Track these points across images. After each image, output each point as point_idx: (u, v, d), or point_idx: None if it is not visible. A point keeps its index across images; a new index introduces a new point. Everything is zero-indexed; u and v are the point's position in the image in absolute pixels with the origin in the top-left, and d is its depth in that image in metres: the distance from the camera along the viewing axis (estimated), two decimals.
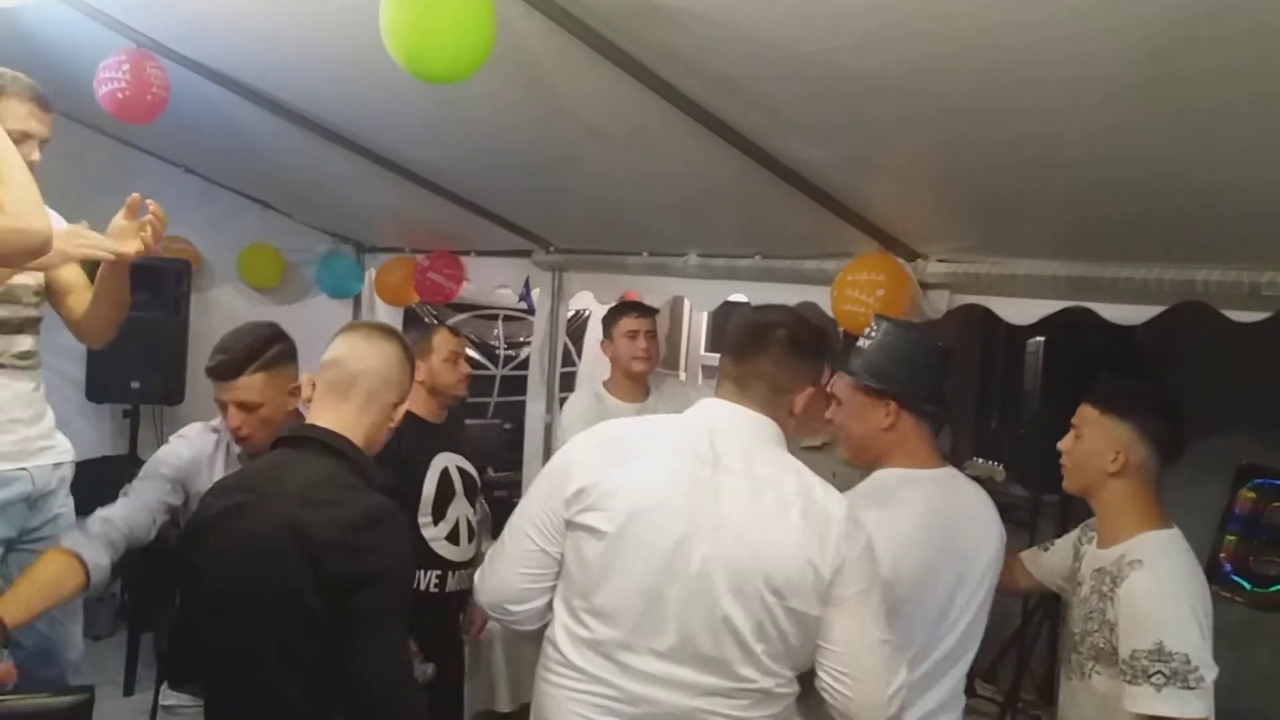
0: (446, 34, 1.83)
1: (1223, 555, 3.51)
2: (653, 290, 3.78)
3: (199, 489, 2.23)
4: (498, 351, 6.13)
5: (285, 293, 5.01)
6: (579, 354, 6.07)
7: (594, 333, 5.85)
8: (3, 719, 1.78)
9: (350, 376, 1.76)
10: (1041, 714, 3.35)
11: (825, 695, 1.58)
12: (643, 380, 3.42)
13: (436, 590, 2.69)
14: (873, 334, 1.97)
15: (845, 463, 2.12)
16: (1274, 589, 3.45)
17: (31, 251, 2.07)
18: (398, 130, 3.20)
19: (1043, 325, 2.66)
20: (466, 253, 4.51)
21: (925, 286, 2.78)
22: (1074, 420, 2.05)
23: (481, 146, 3.09)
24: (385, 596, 1.60)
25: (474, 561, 2.75)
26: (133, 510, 2.20)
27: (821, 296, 2.94)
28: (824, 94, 2.05)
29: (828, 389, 2.03)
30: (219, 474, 2.27)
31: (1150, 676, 1.75)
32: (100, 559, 2.06)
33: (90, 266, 2.32)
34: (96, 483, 2.58)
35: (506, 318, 6.15)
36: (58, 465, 2.34)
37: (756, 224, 3.08)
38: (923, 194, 2.53)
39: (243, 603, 1.61)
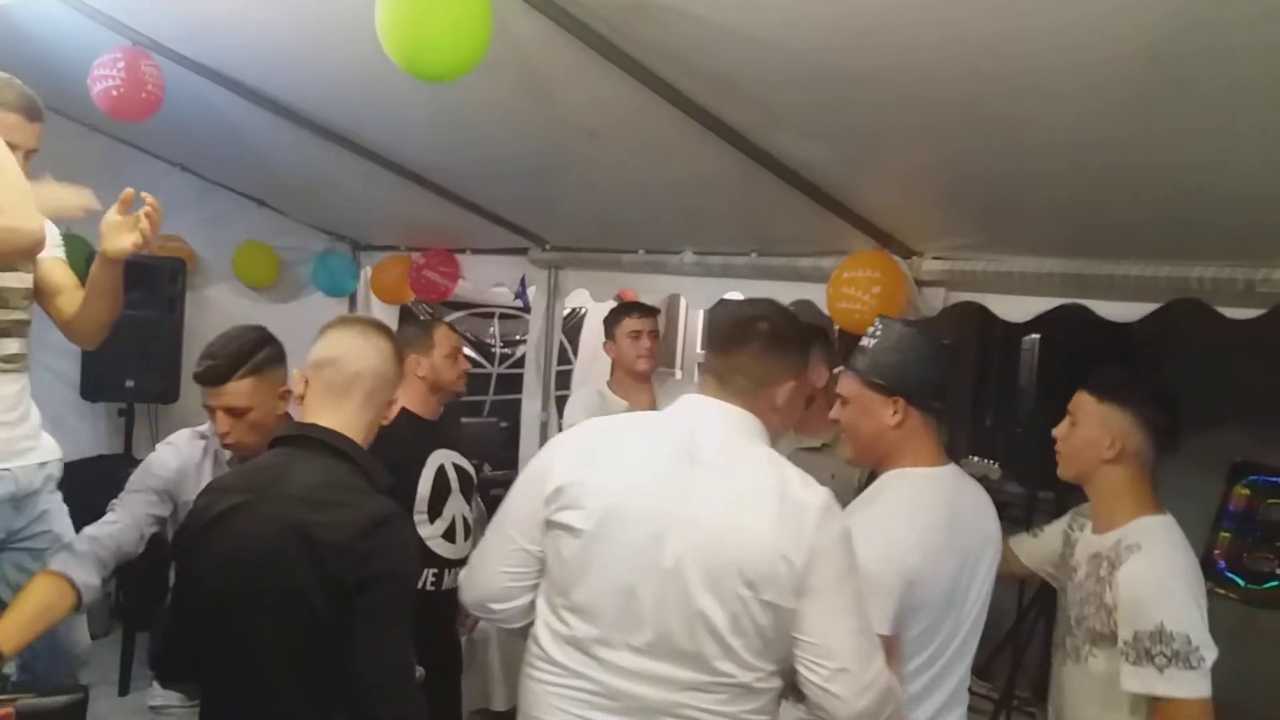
0: (442, 31, 1.83)
1: (1217, 552, 3.52)
2: (649, 288, 3.78)
3: (187, 498, 2.22)
4: (494, 349, 6.12)
5: (281, 291, 5.01)
6: (575, 352, 6.07)
7: (590, 330, 5.85)
8: None
9: (350, 376, 1.75)
10: (1036, 711, 3.37)
11: (803, 688, 1.58)
12: (647, 379, 3.42)
13: (433, 588, 2.69)
14: (877, 333, 1.97)
15: (849, 461, 2.12)
16: (1268, 585, 3.46)
17: (25, 251, 2.06)
18: (393, 128, 3.19)
19: (1038, 323, 2.67)
20: (462, 251, 4.51)
21: (921, 284, 2.79)
22: (1069, 407, 2.06)
23: (477, 144, 3.09)
24: (389, 598, 1.60)
25: None
26: (120, 527, 2.20)
27: (818, 294, 2.94)
28: (820, 92, 2.05)
29: (834, 389, 2.03)
30: (207, 481, 2.23)
31: (1153, 658, 1.78)
32: (90, 578, 2.07)
33: (81, 267, 2.31)
34: (91, 481, 2.58)
35: (502, 316, 6.15)
36: (43, 464, 2.32)
37: (752, 222, 3.08)
38: (918, 191, 2.53)
39: (244, 603, 1.60)
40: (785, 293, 3.09)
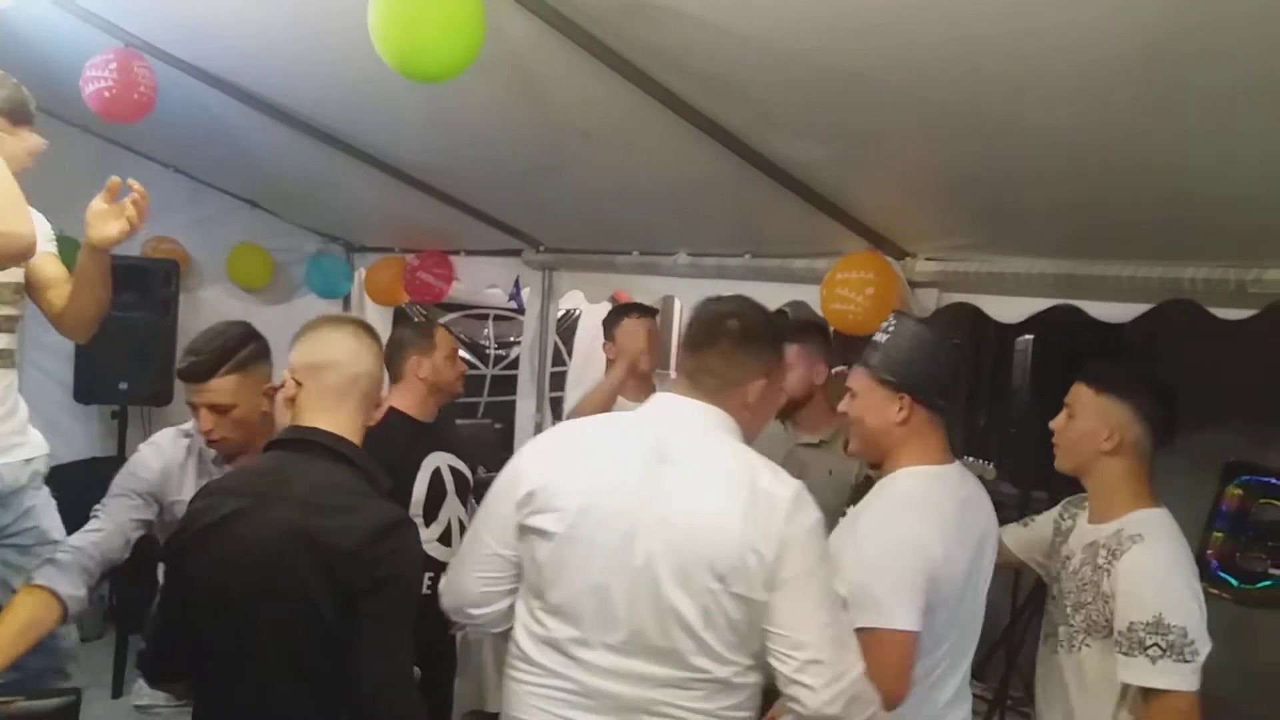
0: (435, 33, 1.83)
1: (1210, 552, 3.53)
2: (642, 289, 3.78)
3: (173, 498, 2.21)
4: (488, 351, 6.12)
5: (274, 293, 4.99)
6: (569, 353, 6.07)
7: (584, 332, 5.85)
8: None
9: (349, 380, 1.75)
10: (1030, 711, 3.36)
11: (777, 683, 1.58)
12: (648, 379, 3.42)
13: (429, 592, 2.67)
14: (890, 328, 1.98)
15: (854, 455, 2.13)
16: (1261, 585, 3.47)
17: (17, 256, 2.06)
18: (387, 129, 3.19)
19: (1031, 323, 2.67)
20: (456, 252, 4.50)
21: (914, 285, 2.79)
22: (1067, 400, 2.07)
23: (471, 145, 3.09)
24: (395, 601, 1.60)
25: None
26: (104, 534, 2.16)
27: (811, 295, 2.94)
28: (815, 94, 2.06)
29: (834, 386, 2.04)
30: (191, 480, 2.24)
31: (1146, 649, 1.79)
32: (75, 590, 2.05)
33: (71, 259, 2.30)
34: (84, 484, 2.56)
35: (497, 317, 6.15)
36: (29, 460, 2.31)
37: (746, 223, 3.08)
38: (911, 193, 2.54)
39: (248, 608, 1.59)
40: (779, 294, 3.10)
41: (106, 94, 2.77)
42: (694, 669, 1.56)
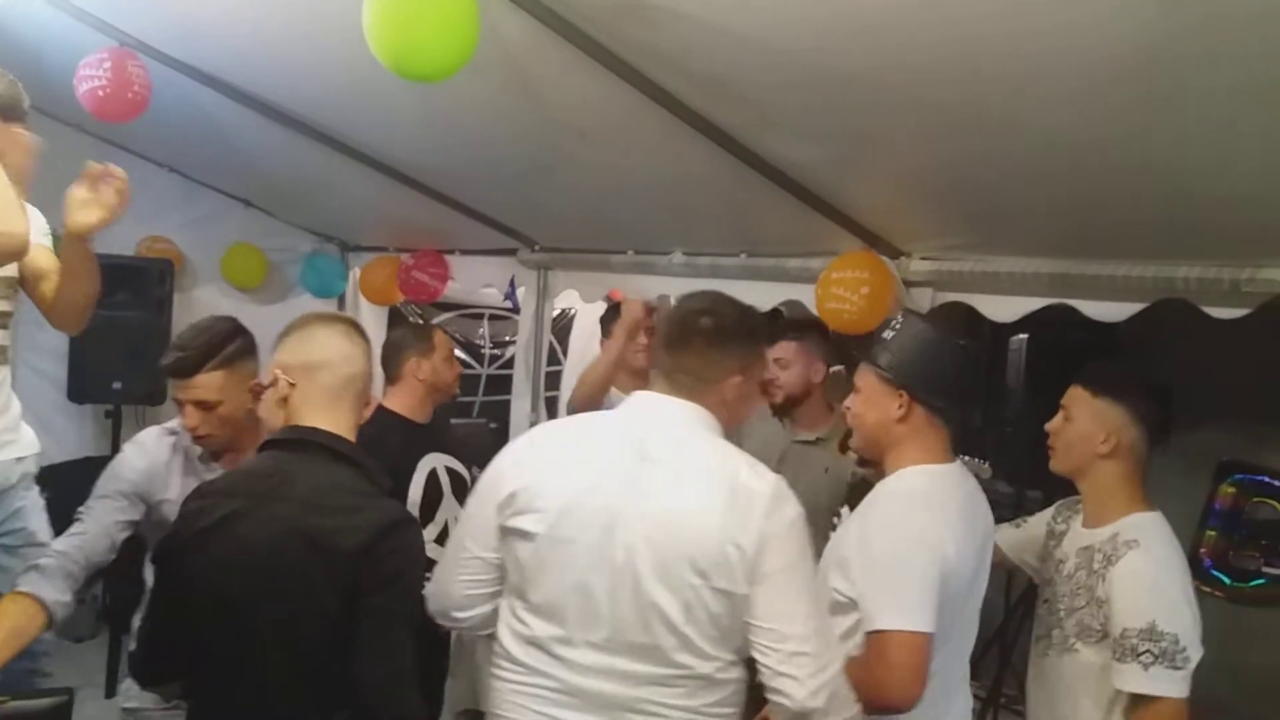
0: (430, 32, 1.83)
1: (1203, 550, 3.54)
2: (638, 289, 3.77)
3: (159, 497, 2.18)
4: (483, 351, 6.12)
5: (269, 293, 4.98)
6: (564, 353, 6.06)
7: (580, 331, 5.85)
8: None
9: (344, 380, 1.74)
10: (1023, 709, 3.37)
11: (760, 677, 1.58)
12: (643, 374, 3.41)
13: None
14: (896, 326, 1.99)
15: (855, 450, 2.13)
16: (1254, 584, 3.49)
17: (11, 254, 2.06)
18: (382, 128, 3.19)
19: (1026, 323, 2.68)
20: (451, 251, 4.50)
21: (909, 284, 2.80)
22: (1063, 401, 2.07)
23: (466, 145, 3.09)
24: (398, 600, 1.60)
25: None
26: (89, 537, 2.12)
27: (806, 294, 2.94)
28: (809, 94, 2.06)
29: (832, 385, 2.04)
30: (177, 479, 2.21)
31: (1139, 655, 1.79)
32: (60, 595, 2.02)
33: None
34: (78, 484, 2.55)
35: (492, 317, 6.14)
36: (19, 459, 2.30)
37: (741, 222, 3.08)
38: (906, 192, 2.54)
39: (248, 609, 1.59)
40: (774, 293, 3.10)
41: (100, 93, 2.76)
42: (676, 665, 1.57)
